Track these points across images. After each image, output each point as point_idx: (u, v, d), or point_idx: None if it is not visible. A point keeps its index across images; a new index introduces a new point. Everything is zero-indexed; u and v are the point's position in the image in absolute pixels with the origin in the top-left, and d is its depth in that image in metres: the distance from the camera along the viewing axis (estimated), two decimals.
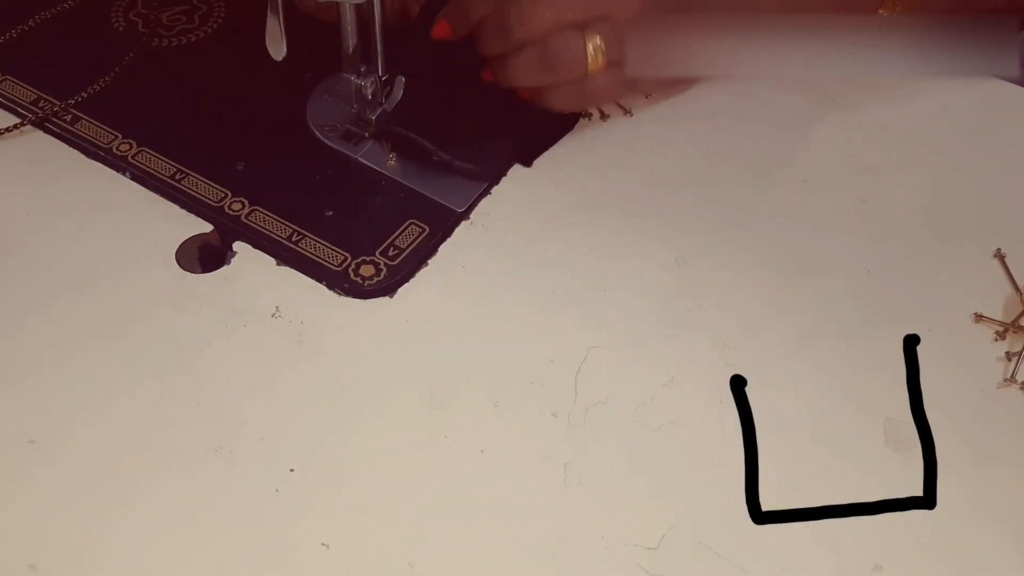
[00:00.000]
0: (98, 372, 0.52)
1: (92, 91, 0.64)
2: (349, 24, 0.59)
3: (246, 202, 0.59)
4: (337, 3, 0.58)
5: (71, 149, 0.62)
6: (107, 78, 0.65)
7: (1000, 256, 0.59)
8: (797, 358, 0.54)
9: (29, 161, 0.61)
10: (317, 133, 0.63)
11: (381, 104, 0.63)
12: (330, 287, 0.56)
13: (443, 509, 0.48)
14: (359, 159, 0.62)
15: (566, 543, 0.47)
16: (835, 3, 0.63)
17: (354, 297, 0.56)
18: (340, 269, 0.57)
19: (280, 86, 0.65)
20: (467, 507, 0.49)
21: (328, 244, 0.58)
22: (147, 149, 0.62)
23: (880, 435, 0.51)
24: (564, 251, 0.58)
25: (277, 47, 0.57)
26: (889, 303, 0.57)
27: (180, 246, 0.58)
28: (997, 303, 0.57)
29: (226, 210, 0.59)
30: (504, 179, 0.61)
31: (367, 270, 0.57)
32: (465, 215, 0.60)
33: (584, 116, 0.65)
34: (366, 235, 0.58)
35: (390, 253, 0.58)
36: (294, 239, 0.58)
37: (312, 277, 0.57)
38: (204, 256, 0.58)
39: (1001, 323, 0.56)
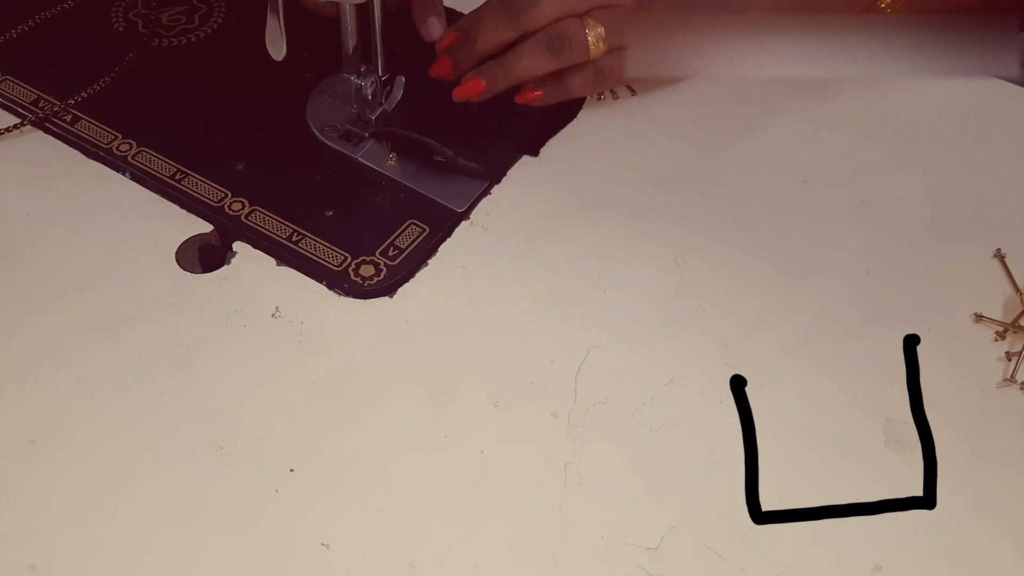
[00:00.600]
0: (98, 372, 0.52)
1: (92, 91, 0.64)
2: (349, 24, 0.59)
3: (246, 202, 0.59)
4: (337, 3, 0.58)
5: (71, 149, 0.62)
6: (107, 78, 0.65)
7: (1000, 256, 0.59)
8: (797, 358, 0.54)
9: (29, 161, 0.61)
10: (317, 133, 0.63)
11: (381, 104, 0.63)
12: (330, 287, 0.56)
13: (443, 509, 0.48)
14: (359, 159, 0.62)
15: (566, 543, 0.47)
16: (815, 4, 0.63)
17: (354, 297, 0.56)
18: (340, 269, 0.57)
19: (280, 86, 0.65)
20: (467, 507, 0.49)
21: (328, 244, 0.58)
22: (147, 149, 0.62)
23: (880, 435, 0.51)
24: (564, 251, 0.58)
25: (277, 47, 0.57)
26: (889, 303, 0.57)
27: (180, 246, 0.58)
28: (997, 303, 0.57)
29: (226, 210, 0.59)
30: (504, 179, 0.61)
31: (367, 270, 0.57)
32: (465, 215, 0.60)
33: (598, 97, 0.66)
34: (366, 235, 0.58)
35: (390, 253, 0.58)
36: (294, 239, 0.58)
37: (312, 277, 0.57)
38: (204, 256, 0.58)
39: (1001, 323, 0.55)
